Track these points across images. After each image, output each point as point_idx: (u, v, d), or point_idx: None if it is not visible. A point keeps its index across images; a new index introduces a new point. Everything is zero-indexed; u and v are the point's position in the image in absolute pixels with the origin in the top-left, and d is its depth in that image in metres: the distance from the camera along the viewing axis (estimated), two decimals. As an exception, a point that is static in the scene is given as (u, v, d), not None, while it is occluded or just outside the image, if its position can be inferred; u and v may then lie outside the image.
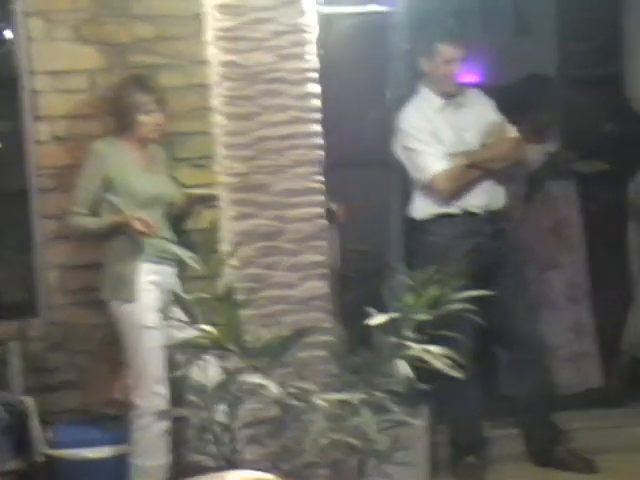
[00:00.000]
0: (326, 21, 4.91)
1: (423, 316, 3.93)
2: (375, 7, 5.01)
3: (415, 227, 5.25)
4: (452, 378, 4.00)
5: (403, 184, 5.31)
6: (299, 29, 4.64)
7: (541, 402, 5.27)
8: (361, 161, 5.56)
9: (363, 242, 5.46)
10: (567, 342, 6.08)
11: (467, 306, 4.12)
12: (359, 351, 4.08)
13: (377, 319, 3.90)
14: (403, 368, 3.86)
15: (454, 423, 5.23)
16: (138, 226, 4.49)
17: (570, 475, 5.15)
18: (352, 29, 5.34)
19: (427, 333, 4.03)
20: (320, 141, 4.76)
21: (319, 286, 4.72)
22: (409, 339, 3.90)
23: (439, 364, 3.84)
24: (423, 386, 4.04)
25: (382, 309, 4.04)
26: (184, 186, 4.72)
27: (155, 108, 4.60)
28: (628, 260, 6.05)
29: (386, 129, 5.22)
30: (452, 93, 5.24)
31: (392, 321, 3.92)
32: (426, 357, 3.84)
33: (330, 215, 5.09)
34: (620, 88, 6.56)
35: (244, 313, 4.03)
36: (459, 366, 4.03)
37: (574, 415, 5.50)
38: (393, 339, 3.89)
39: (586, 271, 6.18)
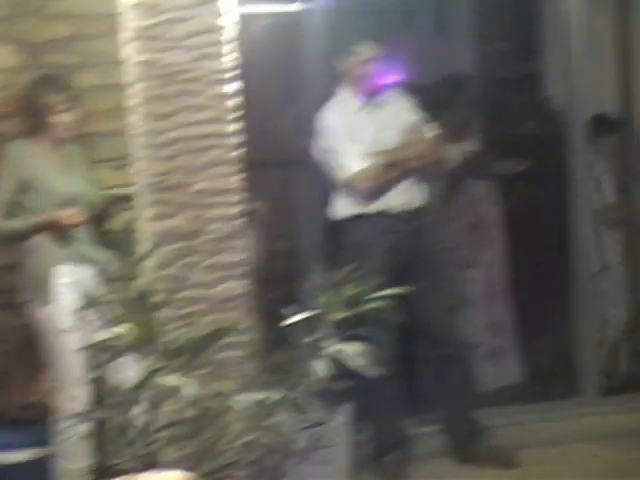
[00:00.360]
0: (245, 20, 4.90)
1: (341, 314, 3.95)
2: (294, 7, 5.02)
3: (335, 226, 5.26)
4: (373, 376, 4.02)
5: (324, 184, 5.32)
6: (216, 29, 4.62)
7: (461, 399, 5.32)
8: (283, 160, 5.57)
9: (286, 241, 5.46)
10: (487, 339, 6.15)
11: (385, 304, 4.14)
12: (278, 350, 4.08)
13: (294, 318, 3.91)
14: (321, 367, 3.87)
15: (376, 421, 5.25)
16: (69, 219, 4.46)
17: (491, 471, 5.20)
18: (271, 29, 5.34)
19: (347, 331, 4.04)
20: (239, 140, 4.76)
21: (238, 286, 4.71)
22: (327, 338, 3.91)
23: (356, 362, 3.85)
24: (342, 384, 4.05)
25: (302, 308, 4.05)
26: (102, 187, 4.69)
27: (67, 108, 4.56)
28: (553, 257, 6.09)
29: (307, 129, 5.23)
30: (371, 93, 5.26)
31: (310, 320, 3.94)
32: (343, 355, 3.85)
33: (252, 214, 5.09)
34: (539, 87, 6.64)
35: (162, 313, 4.01)
36: (378, 364, 4.06)
37: (494, 411, 5.54)
38: (311, 338, 3.91)
39: (506, 269, 6.25)
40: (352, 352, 3.90)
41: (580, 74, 5.63)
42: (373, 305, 4.12)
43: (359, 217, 5.20)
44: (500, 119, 6.42)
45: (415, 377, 5.43)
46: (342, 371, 4.03)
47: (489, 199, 6.27)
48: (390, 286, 4.32)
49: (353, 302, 4.08)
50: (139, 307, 3.87)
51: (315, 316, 3.96)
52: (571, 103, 5.70)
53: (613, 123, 6.27)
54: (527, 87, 6.64)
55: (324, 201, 5.27)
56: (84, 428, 4.40)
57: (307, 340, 3.94)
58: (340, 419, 4.74)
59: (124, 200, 4.70)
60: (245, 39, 4.83)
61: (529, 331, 6.18)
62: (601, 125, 6.22)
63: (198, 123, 4.65)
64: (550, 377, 5.98)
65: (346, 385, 4.08)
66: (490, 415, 5.44)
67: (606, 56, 6.26)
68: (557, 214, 5.89)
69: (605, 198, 6.20)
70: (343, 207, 5.24)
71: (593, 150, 6.12)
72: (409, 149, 5.23)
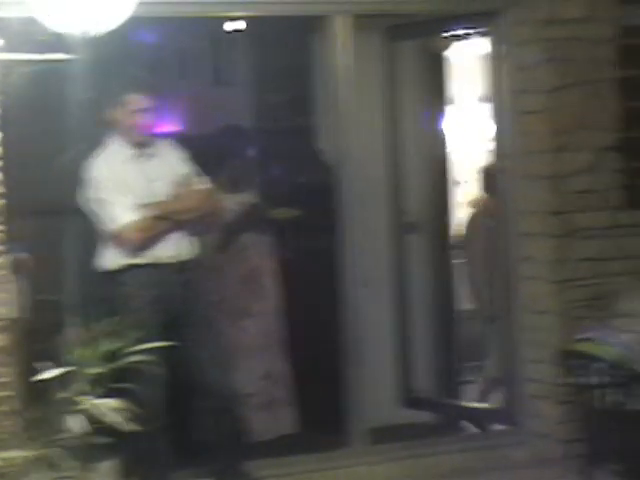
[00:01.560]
0: (6, 67, 4.80)
1: (97, 369, 3.88)
2: (57, 55, 4.94)
3: (104, 278, 5.19)
4: (137, 430, 3.97)
5: (93, 234, 5.24)
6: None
7: (231, 451, 5.30)
8: (49, 210, 5.46)
9: (50, 293, 5.33)
10: (261, 389, 6.16)
11: (147, 357, 4.11)
12: (37, 406, 3.98)
13: (49, 373, 3.82)
14: (76, 423, 3.79)
15: (143, 476, 5.15)
16: None
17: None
18: (34, 76, 5.24)
19: (107, 386, 3.98)
20: (1, 190, 4.65)
21: (-4, 339, 4.60)
22: (83, 393, 3.84)
23: (113, 417, 3.79)
24: (103, 439, 3.98)
25: (60, 362, 3.97)
26: None
27: None
28: (326, 308, 6.15)
29: (74, 178, 5.14)
30: (142, 143, 5.22)
31: (67, 375, 3.86)
32: (99, 411, 3.79)
33: (17, 265, 4.97)
34: (313, 140, 6.75)
35: None
36: (140, 418, 4.01)
37: (266, 463, 5.55)
38: (67, 393, 3.83)
39: (280, 320, 6.29)
40: (109, 407, 3.83)
41: (348, 130, 5.76)
42: (135, 359, 4.08)
43: (129, 268, 5.15)
44: (275, 170, 6.50)
45: (185, 429, 5.39)
46: (106, 426, 3.96)
47: (264, 250, 6.31)
48: (159, 339, 4.29)
49: (114, 356, 4.03)
50: None
51: (72, 371, 3.88)
52: (340, 157, 5.82)
53: None
54: (302, 139, 6.74)
55: (91, 252, 5.19)
56: None
57: (63, 395, 3.85)
58: (103, 475, 4.64)
59: None
60: (6, 86, 4.74)
61: (302, 382, 6.23)
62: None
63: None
64: (321, 428, 6.05)
65: (109, 440, 4.01)
66: (262, 466, 5.45)
67: (374, 114, 6.43)
68: (329, 266, 5.98)
69: None
70: (112, 258, 5.17)
71: None
72: (180, 201, 5.21)
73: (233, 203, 6.11)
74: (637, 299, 5.31)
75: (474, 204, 7.20)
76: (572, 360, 5.18)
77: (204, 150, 5.85)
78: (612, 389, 4.88)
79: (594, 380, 4.97)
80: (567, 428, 5.62)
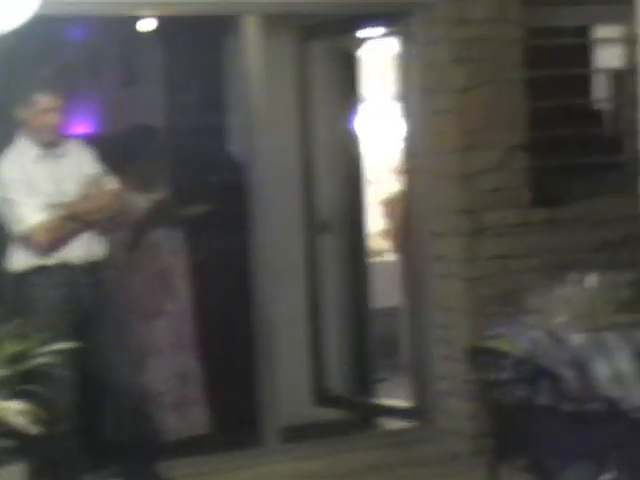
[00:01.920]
0: None
1: (3, 371, 3.84)
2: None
3: (12, 279, 5.14)
4: (50, 432, 3.94)
5: (1, 234, 5.19)
6: None
7: (142, 451, 5.28)
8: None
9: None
10: (172, 389, 6.14)
11: (54, 359, 4.07)
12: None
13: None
14: (-19, 426, 3.75)
15: (53, 478, 5.12)
16: None
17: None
18: None
19: (12, 388, 3.94)
20: None
21: None
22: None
23: (17, 420, 3.76)
24: (8, 442, 3.93)
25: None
26: None
27: None
28: (238, 308, 6.15)
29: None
30: (51, 143, 5.18)
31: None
32: (4, 414, 3.74)
33: None
34: (224, 140, 6.74)
35: None
36: (48, 420, 3.97)
37: (178, 463, 5.53)
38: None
39: (192, 319, 6.28)
40: (15, 410, 3.79)
41: (260, 129, 5.77)
42: (42, 360, 4.04)
43: (38, 269, 5.10)
44: (186, 169, 6.48)
45: (96, 430, 5.35)
46: (11, 429, 3.92)
47: (175, 248, 6.29)
48: (70, 339, 4.25)
49: (20, 358, 3.99)
50: None
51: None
52: (252, 157, 5.82)
53: None
54: (213, 139, 6.73)
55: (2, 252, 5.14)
56: None
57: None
58: (10, 479, 4.60)
59: None
60: None
61: (214, 381, 6.23)
62: None
63: None
64: (234, 427, 6.05)
65: (14, 443, 3.96)
66: (174, 467, 5.43)
67: (287, 113, 6.44)
68: (241, 265, 5.98)
69: None
70: (21, 259, 5.12)
71: None
72: (89, 201, 5.18)
73: (143, 201, 6.08)
74: (546, 296, 5.38)
75: (387, 203, 7.27)
76: (482, 356, 5.24)
77: (114, 149, 5.82)
78: (519, 385, 4.94)
79: (502, 376, 5.04)
80: (477, 424, 5.69)
